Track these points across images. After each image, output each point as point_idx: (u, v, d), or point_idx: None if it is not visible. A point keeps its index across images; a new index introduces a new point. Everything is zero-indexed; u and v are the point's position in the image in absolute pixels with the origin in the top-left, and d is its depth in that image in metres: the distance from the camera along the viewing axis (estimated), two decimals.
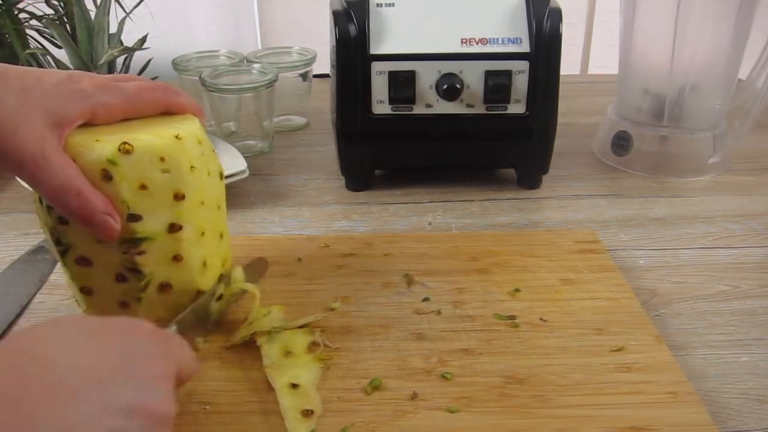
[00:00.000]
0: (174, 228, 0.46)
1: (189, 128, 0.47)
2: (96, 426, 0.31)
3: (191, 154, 0.46)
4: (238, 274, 0.53)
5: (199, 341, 0.49)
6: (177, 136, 0.45)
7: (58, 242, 0.45)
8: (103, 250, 0.45)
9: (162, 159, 0.44)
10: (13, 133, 0.40)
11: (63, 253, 0.46)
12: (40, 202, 0.45)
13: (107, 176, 0.43)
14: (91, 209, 0.42)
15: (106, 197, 0.43)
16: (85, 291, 0.47)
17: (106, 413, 0.31)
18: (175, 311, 0.48)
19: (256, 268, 0.57)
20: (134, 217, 0.44)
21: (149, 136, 0.44)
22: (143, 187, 0.44)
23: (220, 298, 0.51)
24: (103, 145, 0.43)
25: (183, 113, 0.48)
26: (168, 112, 0.48)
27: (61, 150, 0.42)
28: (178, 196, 0.45)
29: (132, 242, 0.45)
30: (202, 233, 0.48)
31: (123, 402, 0.32)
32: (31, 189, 0.47)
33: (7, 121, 0.40)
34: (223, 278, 0.52)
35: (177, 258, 0.47)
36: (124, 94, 0.45)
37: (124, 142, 0.43)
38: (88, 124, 0.44)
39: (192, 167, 0.46)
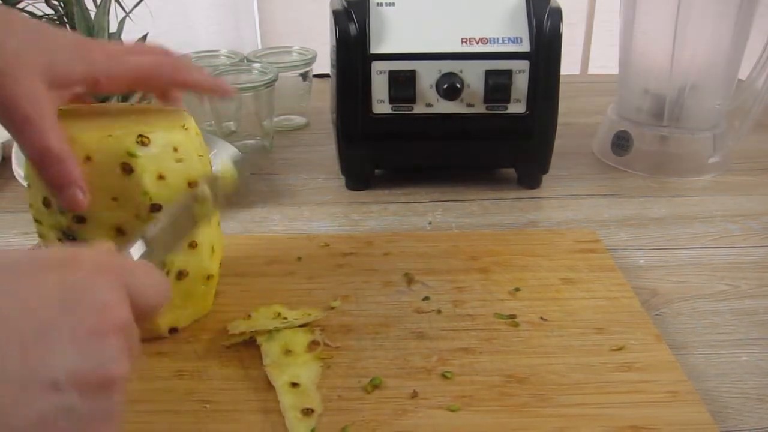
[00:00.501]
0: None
1: (188, 119, 0.48)
2: (19, 408, 0.25)
3: (196, 143, 0.48)
4: (228, 169, 0.48)
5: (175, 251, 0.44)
6: (184, 126, 0.47)
7: (73, 241, 0.45)
8: (122, 244, 0.45)
9: (175, 149, 0.46)
10: (12, 83, 0.39)
11: None
12: (45, 205, 0.45)
13: (128, 169, 0.44)
14: (68, 178, 0.42)
15: (126, 190, 0.44)
16: None
17: (31, 390, 0.25)
18: (188, 298, 0.49)
19: (251, 160, 0.53)
20: (155, 207, 0.45)
21: (159, 128, 0.45)
22: (161, 177, 0.45)
23: (204, 200, 0.44)
24: (118, 139, 0.43)
25: (196, 88, 0.49)
26: (178, 86, 0.48)
27: (53, 113, 0.41)
28: (191, 184, 0.47)
29: None
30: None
31: (54, 372, 0.26)
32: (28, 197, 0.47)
33: (7, 66, 0.39)
34: (209, 179, 0.46)
35: (192, 245, 0.48)
36: (133, 69, 0.45)
37: (141, 135, 0.44)
38: (78, 120, 0.44)
39: (199, 155, 0.48)
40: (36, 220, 0.47)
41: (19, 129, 0.41)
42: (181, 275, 0.48)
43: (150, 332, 0.50)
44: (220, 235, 0.53)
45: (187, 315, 0.52)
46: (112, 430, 0.28)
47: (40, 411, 0.25)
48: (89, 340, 0.27)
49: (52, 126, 0.41)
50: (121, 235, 0.45)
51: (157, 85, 0.47)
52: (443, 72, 0.69)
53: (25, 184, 0.48)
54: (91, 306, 0.28)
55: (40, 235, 0.48)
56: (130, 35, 0.86)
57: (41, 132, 0.40)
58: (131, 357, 0.29)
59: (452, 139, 0.74)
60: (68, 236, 0.45)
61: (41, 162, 0.41)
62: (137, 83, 0.46)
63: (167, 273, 0.47)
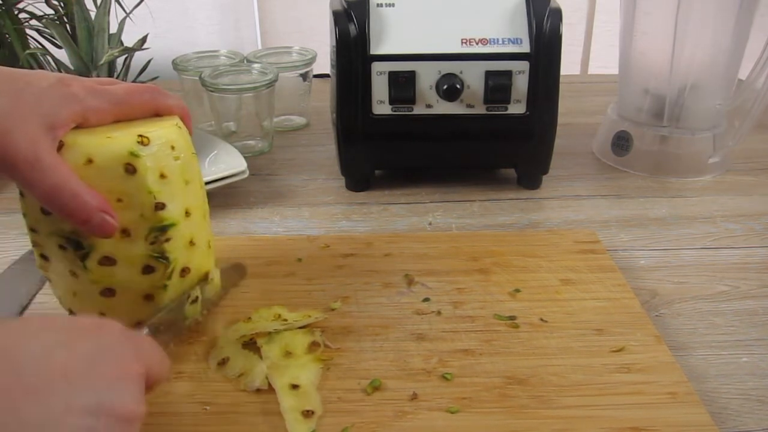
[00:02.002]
0: (188, 213, 0.48)
1: (177, 119, 0.48)
2: (60, 424, 0.30)
3: (189, 140, 0.49)
4: (216, 277, 0.52)
5: (171, 345, 0.49)
6: (177, 125, 0.47)
7: (78, 246, 0.45)
8: (127, 245, 0.45)
9: (173, 147, 0.46)
10: (5, 134, 0.40)
11: (84, 257, 0.45)
12: (44, 212, 0.45)
13: (131, 169, 0.44)
14: (89, 208, 0.42)
15: (130, 190, 0.44)
16: (107, 293, 0.47)
17: (71, 412, 0.30)
18: (187, 296, 0.50)
19: (234, 273, 0.57)
20: (160, 206, 0.45)
21: (156, 128, 0.46)
22: (162, 176, 0.45)
23: (195, 300, 0.50)
24: (119, 140, 0.44)
25: (171, 115, 0.49)
26: (157, 114, 0.48)
27: (54, 152, 0.42)
28: (188, 182, 0.48)
29: (160, 230, 0.46)
30: (204, 216, 0.51)
31: (90, 400, 0.31)
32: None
33: (1, 126, 0.40)
34: (201, 282, 0.51)
35: (192, 242, 0.49)
36: (114, 98, 0.45)
37: (140, 135, 0.44)
38: (78, 128, 0.44)
39: (192, 153, 0.48)
40: (31, 229, 0.47)
41: (24, 174, 0.41)
42: (183, 272, 0.49)
43: None
44: (211, 231, 0.54)
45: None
46: None
47: (74, 428, 0.30)
48: (117, 382, 0.33)
49: (55, 163, 0.41)
50: (127, 236, 0.45)
51: (139, 111, 0.47)
52: (443, 73, 0.69)
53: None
54: (118, 356, 0.34)
55: (35, 244, 0.47)
56: (130, 35, 0.86)
57: (44, 171, 0.41)
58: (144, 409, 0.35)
59: (452, 140, 0.74)
60: (72, 242, 0.45)
61: (55, 201, 0.41)
62: (120, 112, 0.46)
63: (173, 270, 0.48)
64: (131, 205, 0.45)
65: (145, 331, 0.45)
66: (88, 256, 0.45)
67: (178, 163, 0.46)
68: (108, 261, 0.45)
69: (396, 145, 0.74)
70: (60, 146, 0.43)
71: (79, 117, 0.43)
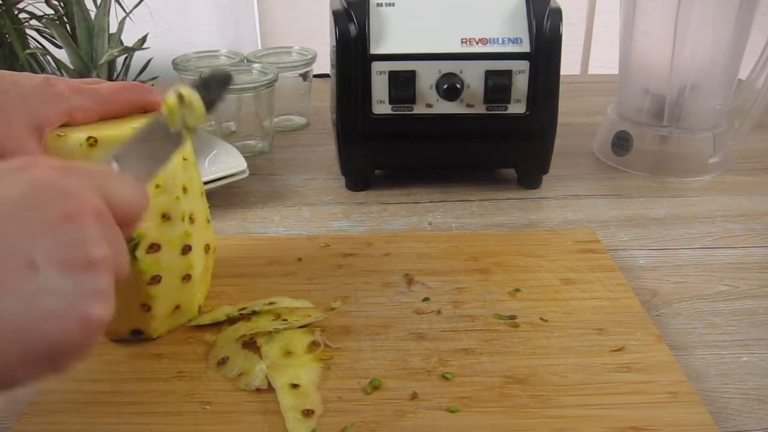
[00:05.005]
0: (202, 193, 0.51)
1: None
2: (4, 291, 0.27)
3: None
4: (187, 92, 0.42)
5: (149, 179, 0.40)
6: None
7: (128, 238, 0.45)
8: (168, 228, 0.47)
9: None
10: None
11: (134, 248, 0.45)
12: None
13: None
14: None
15: (165, 176, 0.45)
16: (154, 281, 0.47)
17: (9, 270, 0.27)
18: (206, 271, 0.52)
19: (214, 82, 0.43)
20: (185, 189, 0.48)
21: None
22: (184, 158, 0.48)
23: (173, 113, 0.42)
24: None
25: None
26: (143, 110, 0.48)
27: (41, 151, 0.42)
28: (195, 165, 0.50)
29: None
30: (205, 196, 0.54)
31: (27, 252, 0.27)
32: None
33: None
34: (177, 94, 0.42)
35: (208, 219, 0.51)
36: (99, 96, 0.46)
37: None
38: (65, 126, 0.45)
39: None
40: None
41: None
42: (207, 248, 0.50)
43: (187, 314, 0.51)
44: None
45: (204, 290, 0.53)
46: (103, 310, 0.29)
47: (24, 291, 0.27)
48: (61, 224, 0.28)
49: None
50: (167, 220, 0.47)
51: (124, 109, 0.47)
52: (443, 72, 0.69)
53: None
54: (58, 193, 0.29)
55: None
56: (130, 35, 0.86)
57: None
58: (117, 251, 0.31)
59: (452, 140, 0.74)
60: None
61: None
62: (106, 109, 0.46)
63: (204, 248, 0.50)
64: (168, 189, 0.46)
65: (114, 165, 0.37)
66: (138, 246, 0.46)
67: (187, 146, 0.48)
68: (154, 248, 0.46)
69: (396, 144, 0.74)
70: (93, 143, 0.43)
71: (65, 115, 0.44)
